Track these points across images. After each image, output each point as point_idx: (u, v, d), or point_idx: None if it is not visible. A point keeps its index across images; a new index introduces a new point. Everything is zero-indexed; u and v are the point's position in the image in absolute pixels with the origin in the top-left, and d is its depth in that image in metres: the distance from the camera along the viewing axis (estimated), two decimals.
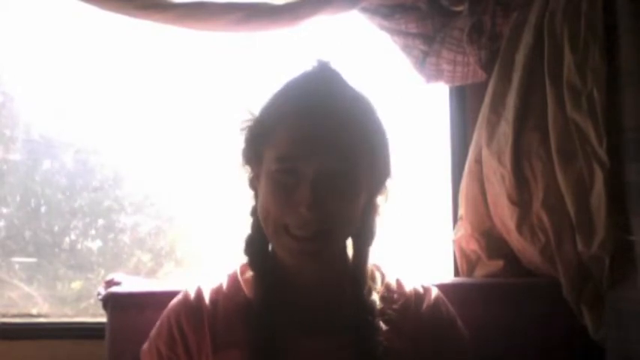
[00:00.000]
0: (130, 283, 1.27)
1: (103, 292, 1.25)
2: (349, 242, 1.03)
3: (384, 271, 1.06)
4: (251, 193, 1.02)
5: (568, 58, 1.19)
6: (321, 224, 0.91)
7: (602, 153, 1.13)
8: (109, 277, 1.29)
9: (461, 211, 1.43)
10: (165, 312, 1.04)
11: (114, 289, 1.24)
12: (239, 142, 1.00)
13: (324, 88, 0.94)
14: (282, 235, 0.92)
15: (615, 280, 1.16)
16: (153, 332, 1.04)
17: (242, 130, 0.99)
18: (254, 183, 1.01)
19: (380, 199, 1.01)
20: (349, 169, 0.92)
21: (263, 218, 0.95)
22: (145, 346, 1.04)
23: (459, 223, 1.44)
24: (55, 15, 1.67)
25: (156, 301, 1.12)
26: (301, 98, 0.94)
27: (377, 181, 0.99)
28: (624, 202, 1.11)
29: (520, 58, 1.28)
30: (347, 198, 0.93)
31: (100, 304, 1.25)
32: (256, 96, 1.01)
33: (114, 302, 1.22)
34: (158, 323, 1.04)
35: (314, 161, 0.90)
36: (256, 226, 1.01)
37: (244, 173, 1.02)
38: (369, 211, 1.00)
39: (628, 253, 1.10)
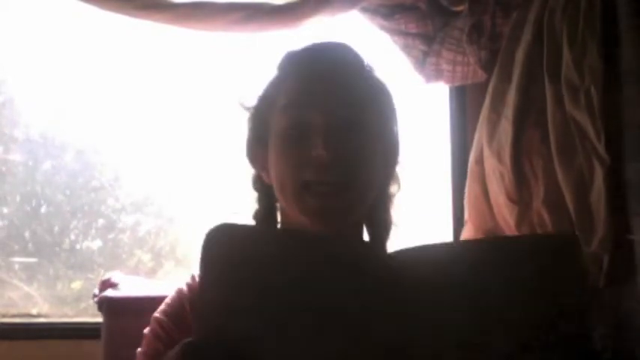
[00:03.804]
0: (127, 285, 1.25)
1: (97, 292, 1.23)
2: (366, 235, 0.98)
3: None
4: (254, 195, 0.99)
5: (566, 54, 1.19)
6: (340, 172, 0.85)
7: (601, 149, 1.13)
8: (105, 277, 1.27)
9: (466, 216, 1.42)
10: (174, 294, 1.00)
11: (110, 293, 1.22)
12: (243, 133, 0.97)
13: (329, 43, 0.95)
14: (303, 194, 0.86)
15: (615, 279, 1.16)
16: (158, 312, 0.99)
17: (249, 109, 0.97)
18: (257, 183, 0.98)
19: (393, 189, 0.98)
20: (362, 121, 0.88)
21: (280, 186, 0.89)
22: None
23: (465, 227, 1.43)
24: (55, 15, 1.67)
25: (153, 305, 1.10)
26: (307, 52, 0.93)
27: (388, 154, 0.94)
28: (624, 200, 1.11)
29: (520, 55, 1.28)
30: (363, 152, 0.88)
31: None
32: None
33: (109, 306, 1.21)
34: (164, 304, 1.00)
35: (325, 109, 0.86)
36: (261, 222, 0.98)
37: (248, 172, 0.99)
38: (382, 198, 0.96)
39: (628, 252, 1.10)
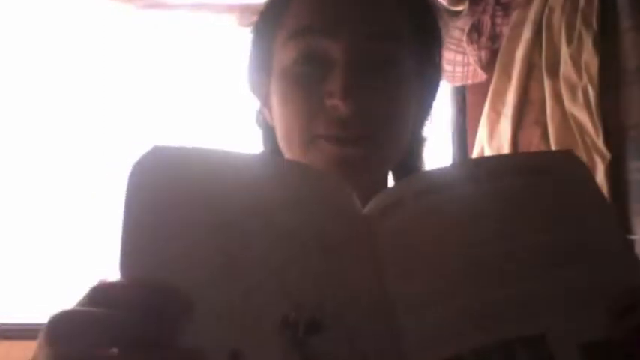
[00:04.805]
0: None
1: None
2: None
3: None
4: (259, 133, 0.76)
5: (564, 52, 1.20)
6: (363, 127, 0.62)
7: (600, 144, 1.14)
8: (101, 278, 1.27)
9: None
10: None
11: None
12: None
13: None
14: (315, 143, 0.63)
15: None
16: None
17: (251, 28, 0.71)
18: (260, 116, 0.75)
19: (427, 130, 0.74)
20: (397, 55, 0.63)
21: (283, 137, 0.67)
22: None
23: None
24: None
25: None
26: None
27: (426, 93, 0.70)
28: (624, 200, 1.11)
29: (519, 54, 1.29)
30: (395, 99, 0.64)
31: None
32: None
33: None
34: None
35: (344, 34, 0.61)
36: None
37: (252, 108, 0.75)
38: (415, 144, 0.72)
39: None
